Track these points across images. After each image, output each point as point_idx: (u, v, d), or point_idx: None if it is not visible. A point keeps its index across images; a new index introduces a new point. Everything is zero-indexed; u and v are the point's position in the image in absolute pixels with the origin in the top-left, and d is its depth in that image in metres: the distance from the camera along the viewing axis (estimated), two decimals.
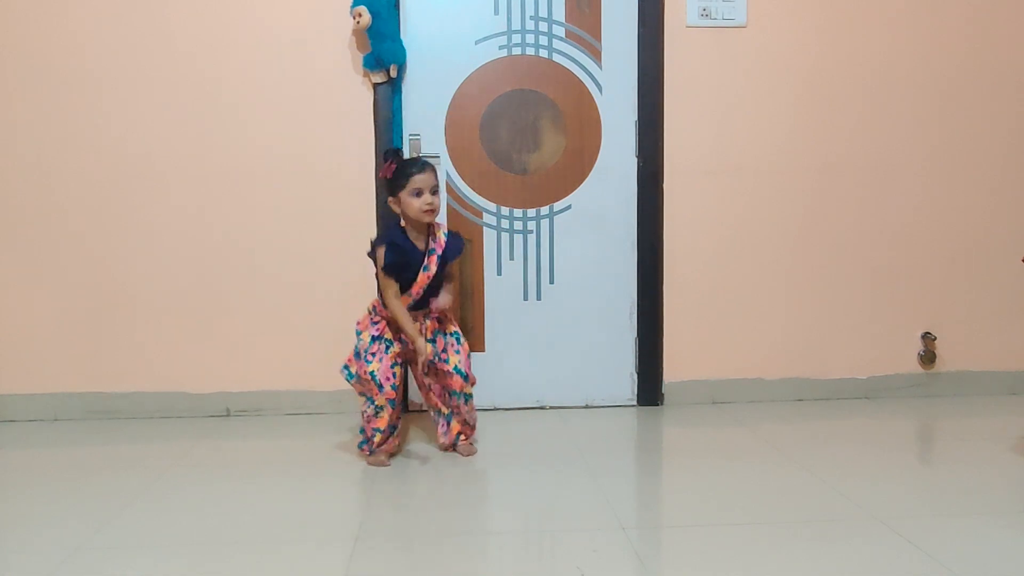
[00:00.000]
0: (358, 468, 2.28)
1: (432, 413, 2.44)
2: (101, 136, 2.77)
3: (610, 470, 2.24)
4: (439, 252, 2.30)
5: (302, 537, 1.79)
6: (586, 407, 2.96)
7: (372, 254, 2.28)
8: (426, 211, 2.24)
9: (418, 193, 2.23)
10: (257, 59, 2.78)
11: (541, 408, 2.94)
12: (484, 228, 2.91)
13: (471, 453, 2.39)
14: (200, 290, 2.83)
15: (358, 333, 2.33)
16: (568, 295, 2.94)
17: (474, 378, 2.38)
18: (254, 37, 2.78)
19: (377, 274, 2.27)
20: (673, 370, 2.96)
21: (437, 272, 2.30)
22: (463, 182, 2.89)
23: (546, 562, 1.66)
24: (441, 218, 2.82)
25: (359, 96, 2.81)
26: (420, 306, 2.32)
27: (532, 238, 2.92)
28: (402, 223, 2.32)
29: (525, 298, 2.93)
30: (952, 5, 2.97)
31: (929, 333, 3.03)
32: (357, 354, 2.32)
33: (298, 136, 2.81)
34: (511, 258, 2.92)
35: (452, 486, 2.14)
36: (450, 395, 2.37)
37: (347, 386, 2.85)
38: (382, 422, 2.28)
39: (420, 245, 2.30)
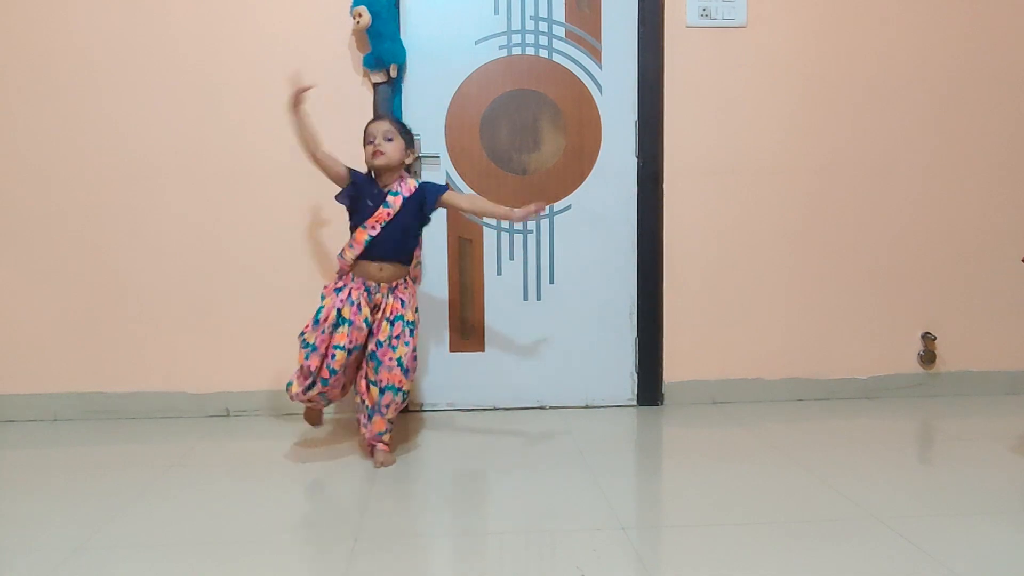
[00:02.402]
0: (358, 468, 2.27)
1: (357, 400, 2.35)
2: (101, 137, 2.77)
3: (610, 470, 2.24)
4: (405, 195, 2.30)
5: (302, 537, 1.79)
6: (586, 407, 2.96)
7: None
8: (373, 154, 2.28)
9: (370, 140, 2.30)
10: (257, 59, 2.79)
11: (541, 408, 2.94)
12: (484, 228, 2.91)
13: (389, 463, 2.28)
14: (200, 290, 2.83)
15: (323, 298, 2.32)
16: (568, 295, 2.94)
17: (412, 379, 2.35)
18: (254, 37, 2.78)
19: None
20: (673, 370, 2.96)
21: (402, 218, 2.29)
22: (463, 182, 2.89)
23: (546, 562, 1.66)
24: (441, 214, 2.83)
25: (359, 96, 2.81)
26: (381, 257, 2.28)
27: (532, 238, 2.92)
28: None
29: (525, 298, 2.93)
30: (952, 5, 2.97)
31: (929, 333, 3.04)
32: (316, 321, 2.27)
33: None
34: (511, 258, 2.92)
35: (452, 486, 2.14)
36: (382, 390, 2.27)
37: None
38: (312, 396, 2.28)
39: (381, 184, 2.34)
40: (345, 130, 2.80)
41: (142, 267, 2.81)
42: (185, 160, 2.80)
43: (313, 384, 2.26)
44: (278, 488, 2.11)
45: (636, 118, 2.92)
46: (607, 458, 2.36)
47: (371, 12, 2.65)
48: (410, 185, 2.33)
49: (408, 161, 2.38)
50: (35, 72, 2.75)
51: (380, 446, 2.31)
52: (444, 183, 2.46)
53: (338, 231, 2.82)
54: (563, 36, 2.88)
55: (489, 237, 2.91)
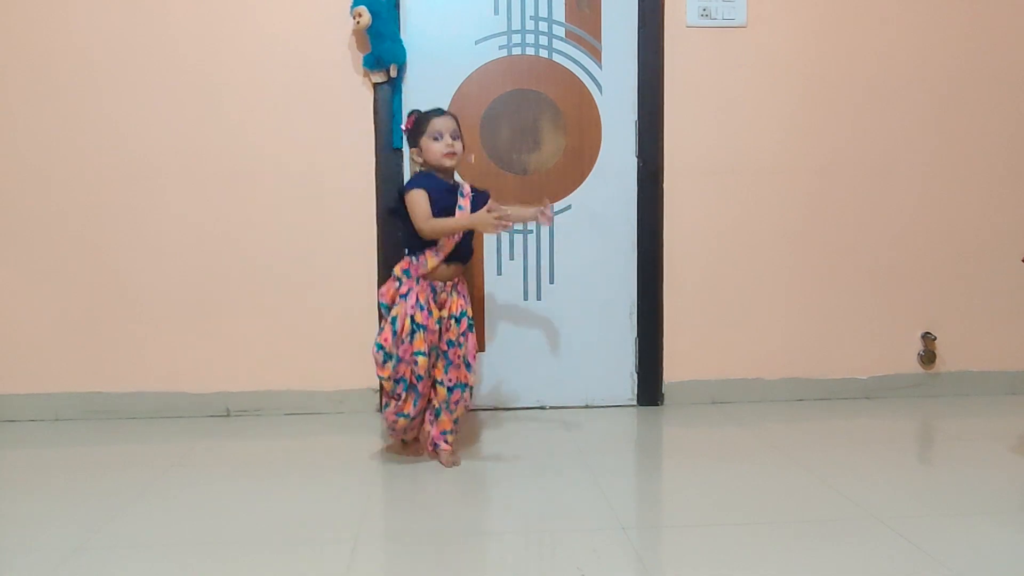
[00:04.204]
0: (358, 468, 2.27)
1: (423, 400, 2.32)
2: (101, 137, 2.77)
3: (610, 470, 2.24)
4: (469, 196, 2.28)
5: (302, 537, 1.79)
6: (586, 407, 2.96)
7: (399, 200, 2.23)
8: (447, 154, 2.22)
9: (438, 136, 2.22)
10: (257, 59, 2.78)
11: (541, 408, 2.94)
12: None
13: (454, 464, 2.28)
14: (200, 290, 2.83)
15: (385, 307, 2.26)
16: (568, 295, 2.94)
17: (474, 372, 2.35)
18: (254, 37, 2.78)
19: (407, 208, 2.20)
20: (673, 370, 2.96)
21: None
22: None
23: (546, 562, 1.66)
24: None
25: (359, 96, 2.81)
26: (456, 258, 2.25)
27: (532, 238, 2.92)
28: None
29: (525, 298, 2.93)
30: (952, 5, 2.97)
31: (929, 333, 3.03)
32: (395, 334, 2.20)
33: (298, 136, 2.81)
34: (511, 258, 2.92)
35: (452, 486, 2.14)
36: (450, 389, 2.28)
37: (347, 385, 2.86)
38: (408, 406, 2.22)
39: (447, 181, 2.28)
40: (345, 130, 2.81)
41: (142, 267, 2.81)
42: (185, 160, 2.80)
43: (408, 393, 2.21)
44: (278, 488, 2.11)
45: (636, 118, 2.91)
46: (607, 458, 2.36)
47: (371, 12, 2.65)
48: (466, 188, 2.31)
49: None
50: (35, 72, 2.75)
51: (443, 446, 2.29)
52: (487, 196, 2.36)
53: (337, 230, 2.83)
54: (563, 36, 2.88)
55: (489, 237, 2.90)
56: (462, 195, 2.27)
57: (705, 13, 2.88)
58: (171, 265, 2.82)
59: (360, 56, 2.78)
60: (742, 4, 2.89)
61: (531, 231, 2.92)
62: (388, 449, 2.41)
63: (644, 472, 2.34)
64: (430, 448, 2.32)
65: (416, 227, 2.19)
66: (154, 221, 2.81)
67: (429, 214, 2.17)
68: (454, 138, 2.24)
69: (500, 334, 2.93)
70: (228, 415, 2.86)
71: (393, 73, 2.75)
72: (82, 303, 2.81)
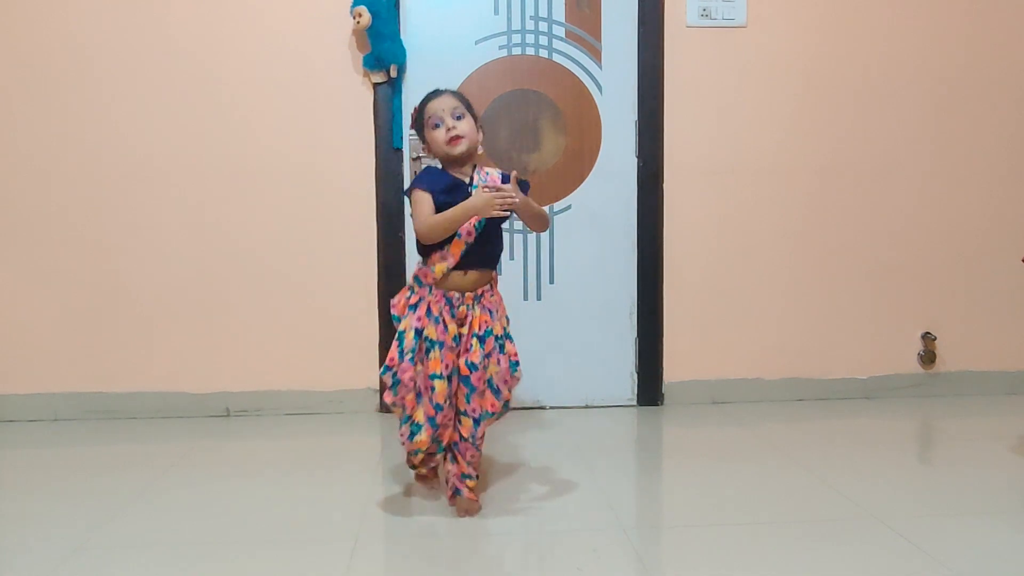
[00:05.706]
0: (358, 468, 2.27)
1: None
2: (101, 136, 2.77)
3: (610, 470, 2.24)
4: (487, 188, 1.84)
5: (302, 537, 1.79)
6: (586, 407, 2.95)
7: (408, 194, 1.92)
8: (451, 140, 1.86)
9: (437, 123, 1.87)
10: (258, 59, 2.78)
11: (541, 408, 2.94)
12: None
13: (474, 512, 1.90)
14: (200, 290, 2.83)
15: (396, 319, 1.90)
16: (568, 295, 2.94)
17: (510, 395, 1.96)
18: (255, 37, 2.78)
19: (411, 206, 1.89)
20: (673, 370, 2.96)
21: (493, 218, 1.82)
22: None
23: (546, 562, 1.66)
24: None
25: (359, 96, 2.81)
26: (470, 264, 1.87)
27: (532, 238, 2.92)
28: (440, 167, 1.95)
29: (525, 298, 2.93)
30: (952, 5, 2.97)
31: (929, 333, 3.03)
32: (401, 353, 1.85)
33: (298, 136, 2.81)
34: (511, 258, 2.92)
35: None
36: (476, 421, 1.90)
37: (347, 385, 2.86)
38: (421, 442, 1.85)
39: (460, 174, 1.91)
40: (345, 130, 2.81)
41: (143, 267, 2.81)
42: (185, 160, 2.80)
43: (418, 428, 1.85)
44: (278, 488, 2.11)
45: (636, 118, 2.91)
46: (607, 458, 2.36)
47: (371, 12, 2.65)
48: (493, 176, 1.93)
49: (480, 139, 1.94)
50: (35, 71, 2.74)
51: (466, 492, 1.93)
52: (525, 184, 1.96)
53: (338, 230, 2.83)
54: (563, 36, 2.88)
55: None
56: (474, 188, 1.87)
57: (705, 13, 2.88)
58: (171, 265, 2.82)
59: (360, 56, 2.78)
60: (742, 4, 2.89)
61: (531, 231, 2.92)
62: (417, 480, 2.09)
63: (644, 472, 2.34)
64: (449, 493, 1.96)
65: (416, 232, 1.87)
66: (154, 221, 2.81)
67: (428, 216, 1.83)
68: (457, 117, 1.86)
69: None
70: (228, 415, 2.85)
71: (393, 73, 2.75)
72: (82, 303, 2.81)
